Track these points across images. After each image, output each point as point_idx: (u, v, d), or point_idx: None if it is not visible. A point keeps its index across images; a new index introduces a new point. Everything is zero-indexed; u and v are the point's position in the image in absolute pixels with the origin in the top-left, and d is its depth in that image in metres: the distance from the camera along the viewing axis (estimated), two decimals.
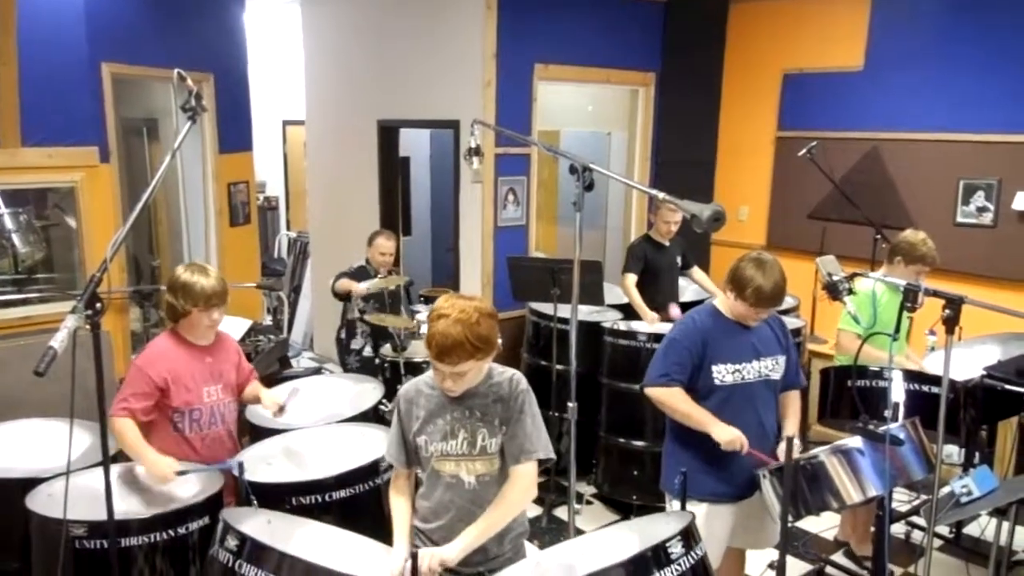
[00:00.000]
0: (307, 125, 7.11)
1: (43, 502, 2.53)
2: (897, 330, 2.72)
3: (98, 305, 2.03)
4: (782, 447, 2.86)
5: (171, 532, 2.47)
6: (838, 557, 4.08)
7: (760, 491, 2.94)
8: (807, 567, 4.04)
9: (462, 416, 2.26)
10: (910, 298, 2.54)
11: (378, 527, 2.52)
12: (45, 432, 3.14)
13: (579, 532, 3.27)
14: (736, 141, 6.16)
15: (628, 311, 4.81)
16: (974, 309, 2.55)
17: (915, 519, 4.28)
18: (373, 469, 2.72)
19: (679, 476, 2.55)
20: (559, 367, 4.59)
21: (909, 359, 3.89)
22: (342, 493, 2.66)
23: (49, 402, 3.12)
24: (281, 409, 3.07)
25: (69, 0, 4.45)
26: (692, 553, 2.09)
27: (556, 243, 6.60)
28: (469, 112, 4.93)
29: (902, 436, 2.77)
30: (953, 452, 4.06)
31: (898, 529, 4.26)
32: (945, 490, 2.90)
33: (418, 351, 4.59)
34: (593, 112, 6.72)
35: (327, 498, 2.64)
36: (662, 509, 3.13)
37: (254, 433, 3.27)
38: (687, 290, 5.18)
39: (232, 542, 2.14)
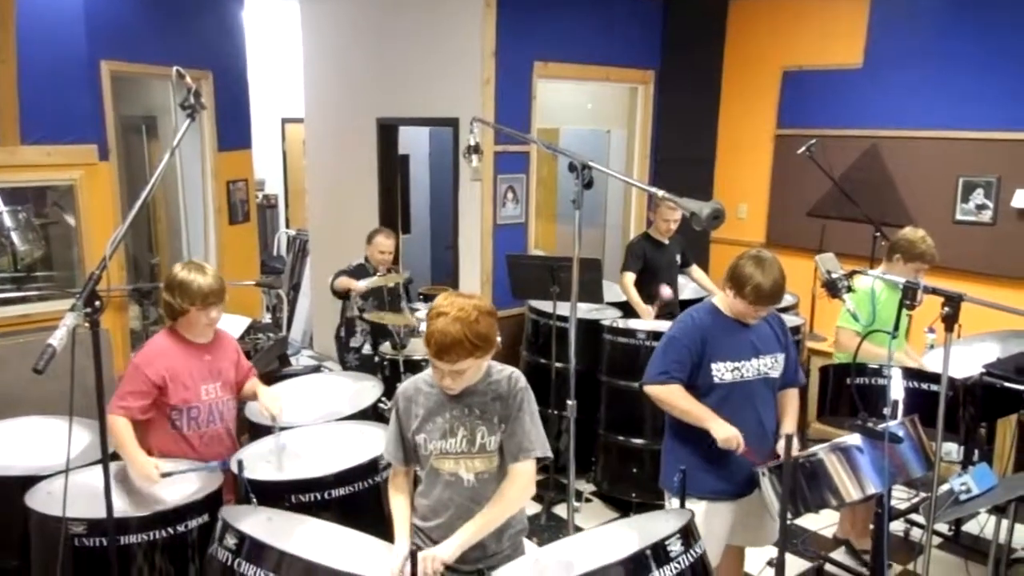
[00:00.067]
0: (306, 123, 7.11)
1: (42, 500, 2.53)
2: (896, 328, 2.72)
3: (97, 303, 2.03)
4: (781, 444, 2.87)
5: (170, 530, 2.47)
6: (837, 554, 4.09)
7: (759, 489, 2.94)
8: (806, 564, 4.04)
9: (461, 414, 2.26)
10: (909, 296, 2.54)
11: (377, 525, 2.52)
12: (44, 430, 3.14)
13: (578, 529, 3.27)
14: (735, 139, 6.16)
15: (627, 309, 4.81)
16: (973, 307, 2.55)
17: (914, 517, 4.28)
18: (372, 467, 2.72)
19: (678, 474, 2.55)
20: (558, 365, 4.59)
21: (908, 356, 3.89)
22: (341, 491, 2.66)
23: (48, 400, 3.13)
24: (273, 418, 3.05)
25: None
26: (691, 551, 2.09)
27: (555, 241, 6.59)
28: (468, 110, 4.93)
29: (901, 434, 2.77)
30: (952, 450, 4.06)
31: (897, 527, 4.26)
32: (944, 488, 2.90)
33: (417, 349, 4.59)
34: (592, 110, 6.72)
35: (326, 496, 2.64)
36: (661, 507, 3.13)
37: (253, 431, 3.27)
38: (686, 288, 5.18)
39: (231, 540, 2.15)
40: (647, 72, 5.94)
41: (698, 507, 2.85)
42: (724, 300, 2.98)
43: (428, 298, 5.84)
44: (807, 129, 5.56)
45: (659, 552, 2.02)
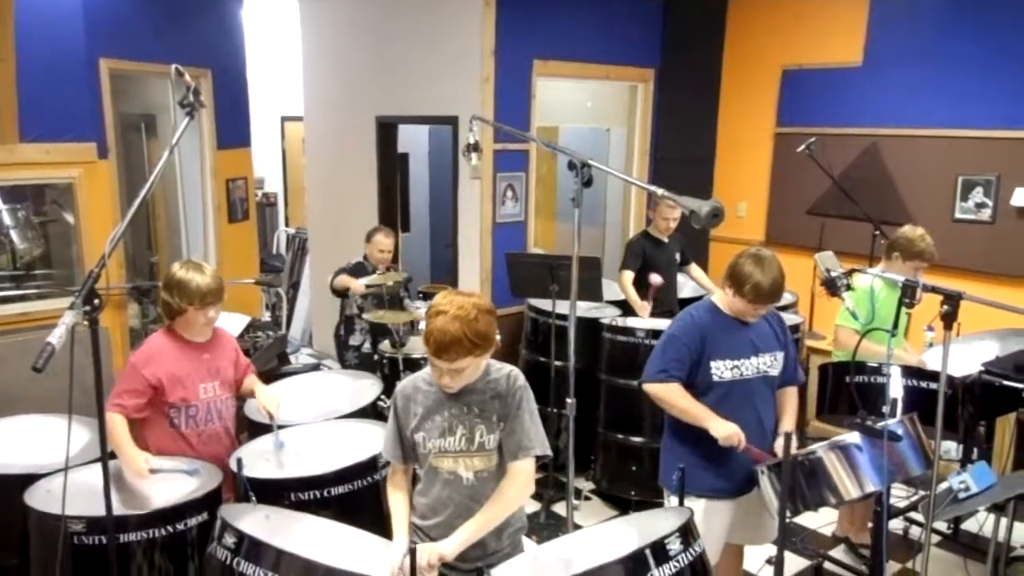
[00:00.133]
0: (305, 121, 7.10)
1: (41, 498, 2.53)
2: (895, 326, 2.72)
3: (96, 301, 2.03)
4: (780, 443, 2.87)
5: (169, 528, 2.47)
6: (836, 552, 4.09)
7: (758, 487, 2.94)
8: (805, 563, 4.04)
9: (460, 412, 2.26)
10: (908, 294, 2.54)
11: (376, 522, 2.53)
12: (43, 428, 3.14)
13: (577, 528, 3.27)
14: (735, 137, 6.16)
15: (627, 307, 4.81)
16: (972, 305, 2.56)
17: (913, 515, 4.29)
18: (371, 465, 2.73)
19: (677, 472, 2.55)
20: (558, 363, 4.59)
21: (907, 353, 3.89)
22: (341, 489, 2.66)
23: (47, 398, 3.13)
24: (271, 416, 3.04)
25: None
26: (690, 549, 2.09)
27: (555, 239, 6.59)
28: (468, 108, 4.92)
29: (900, 432, 2.77)
30: (951, 448, 4.07)
31: (896, 525, 4.26)
32: (943, 486, 2.90)
33: (417, 347, 4.59)
34: (592, 108, 6.72)
35: (326, 494, 2.64)
36: (660, 505, 3.13)
37: (253, 429, 3.27)
38: (685, 287, 5.18)
39: (230, 539, 2.15)
40: (647, 70, 5.94)
41: (697, 505, 2.85)
42: (723, 298, 2.98)
43: (427, 296, 5.84)
44: (806, 127, 5.56)
45: (658, 550, 2.02)
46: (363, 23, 6.16)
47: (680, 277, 5.05)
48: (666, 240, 4.83)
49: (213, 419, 2.97)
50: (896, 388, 3.41)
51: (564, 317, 4.23)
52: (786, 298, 4.94)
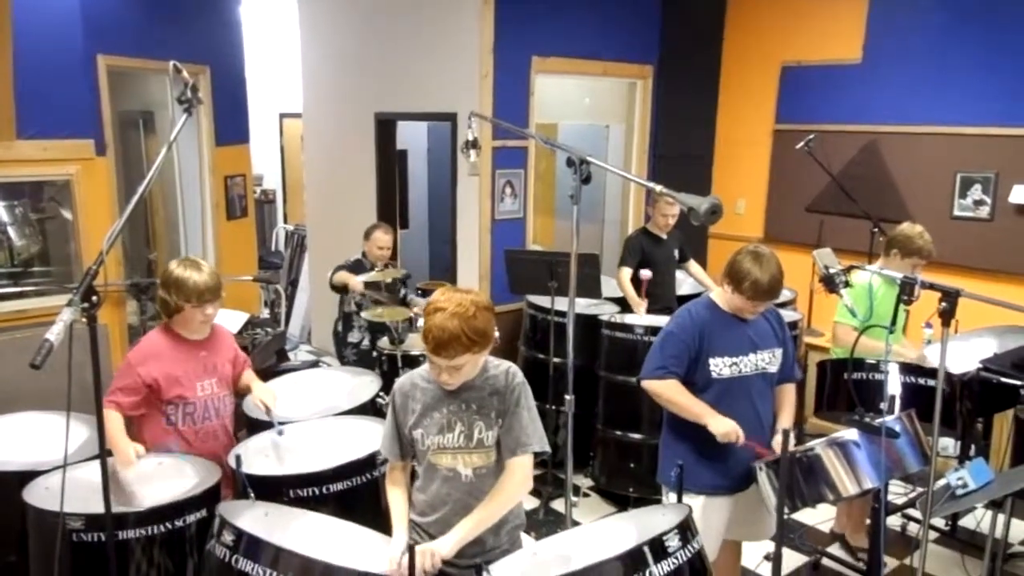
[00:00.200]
0: (304, 118, 7.09)
1: (40, 495, 2.53)
2: (893, 323, 2.72)
3: (94, 298, 2.02)
4: (778, 439, 2.87)
5: (168, 525, 2.47)
6: (834, 549, 4.09)
7: (756, 483, 2.94)
8: (803, 559, 4.05)
9: (458, 409, 2.26)
10: (906, 291, 2.54)
11: (375, 519, 2.53)
12: (42, 425, 3.14)
13: (576, 524, 3.27)
14: (734, 134, 6.16)
15: (625, 304, 4.81)
16: (970, 302, 2.56)
17: (911, 511, 4.29)
18: (370, 462, 2.72)
19: (676, 469, 2.56)
20: (556, 360, 4.59)
21: (906, 349, 3.89)
22: (339, 486, 2.66)
23: (46, 395, 3.11)
24: (267, 411, 3.04)
25: None
26: (689, 546, 2.10)
27: (553, 236, 6.59)
28: (466, 105, 4.91)
29: (898, 428, 2.77)
30: (949, 445, 4.08)
31: (894, 521, 4.27)
32: (941, 482, 2.90)
33: (415, 344, 4.59)
34: (591, 105, 6.71)
35: (324, 490, 2.64)
36: (659, 501, 3.14)
37: (251, 426, 3.27)
38: (683, 284, 5.18)
39: (228, 537, 2.15)
40: (645, 67, 5.93)
41: (696, 502, 2.86)
42: (722, 295, 2.98)
43: (426, 293, 5.84)
44: (805, 124, 5.56)
45: (657, 547, 2.03)
46: (362, 20, 6.15)
47: (679, 274, 5.05)
48: (665, 237, 4.83)
49: (210, 416, 2.97)
50: (894, 385, 3.42)
51: (563, 314, 4.24)
52: (784, 295, 4.94)
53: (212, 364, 2.98)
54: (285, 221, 9.50)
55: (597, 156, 2.73)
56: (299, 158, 8.26)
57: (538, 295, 4.78)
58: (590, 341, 4.55)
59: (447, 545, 2.17)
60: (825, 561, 3.99)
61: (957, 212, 5.00)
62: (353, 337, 5.03)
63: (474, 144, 3.56)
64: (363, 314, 4.75)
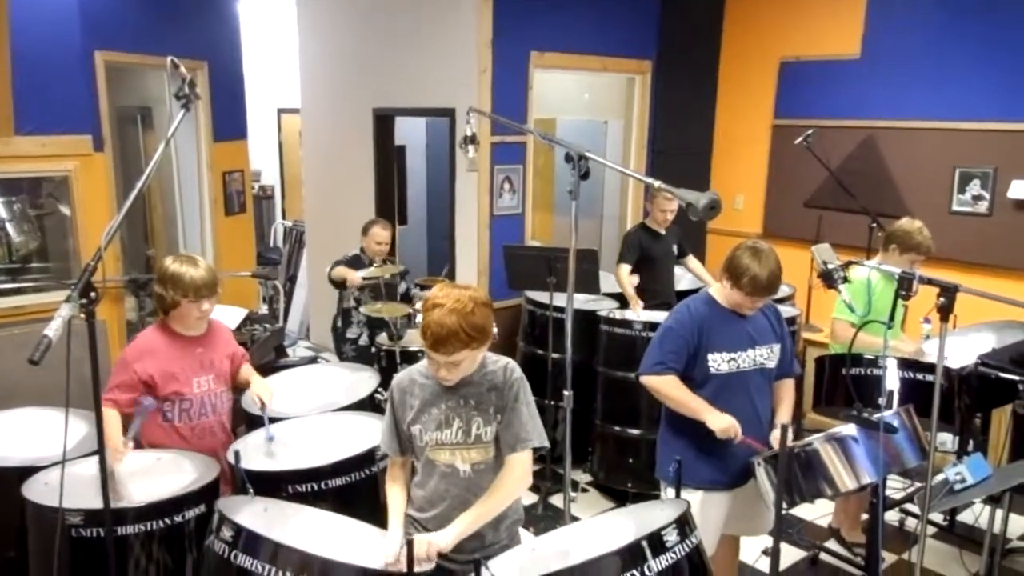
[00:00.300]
0: (302, 113, 7.08)
1: (39, 491, 2.53)
2: (892, 318, 2.72)
3: (93, 294, 2.02)
4: (776, 434, 2.87)
5: (167, 520, 2.47)
6: (832, 544, 4.10)
7: (755, 479, 2.95)
8: (801, 554, 4.06)
9: (456, 405, 2.26)
10: (905, 286, 2.54)
11: (374, 514, 2.52)
12: (41, 421, 3.14)
13: (575, 519, 3.28)
14: (732, 129, 6.15)
15: (624, 300, 4.81)
16: (969, 297, 2.56)
17: (909, 506, 4.30)
18: (369, 457, 2.73)
19: (674, 464, 2.56)
20: (555, 356, 4.59)
21: (904, 342, 3.89)
22: (338, 481, 2.67)
23: (44, 391, 3.11)
24: (263, 406, 3.04)
25: None
26: (687, 541, 2.10)
27: (552, 232, 6.59)
28: (465, 100, 4.91)
29: (896, 424, 2.78)
30: (947, 440, 4.08)
31: (892, 516, 4.28)
32: (939, 478, 2.91)
33: (414, 340, 4.59)
34: (589, 100, 6.70)
35: (323, 486, 2.65)
36: (657, 497, 3.14)
37: (250, 422, 3.27)
38: (682, 279, 5.18)
39: (227, 533, 2.15)
40: (644, 62, 5.92)
41: (694, 497, 2.86)
42: (721, 291, 2.98)
43: (424, 289, 5.84)
44: (804, 120, 5.56)
45: (655, 542, 2.03)
46: (360, 15, 6.14)
47: (677, 269, 5.05)
48: (663, 232, 4.83)
49: (207, 412, 2.97)
50: (892, 380, 3.42)
51: (561, 309, 4.25)
52: (783, 290, 4.94)
53: (209, 360, 2.98)
54: (283, 217, 9.48)
55: (596, 151, 2.73)
56: (297, 154, 8.24)
57: (537, 291, 4.78)
58: (588, 337, 4.55)
59: (446, 538, 2.18)
60: (823, 556, 4.00)
61: (956, 207, 5.00)
62: (352, 333, 5.04)
63: (472, 140, 3.55)
64: (362, 310, 4.75)
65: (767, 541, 3.19)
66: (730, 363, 2.93)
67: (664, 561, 2.02)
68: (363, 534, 2.43)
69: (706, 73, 6.13)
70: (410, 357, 4.41)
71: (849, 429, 2.79)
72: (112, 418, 2.76)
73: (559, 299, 4.40)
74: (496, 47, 5.08)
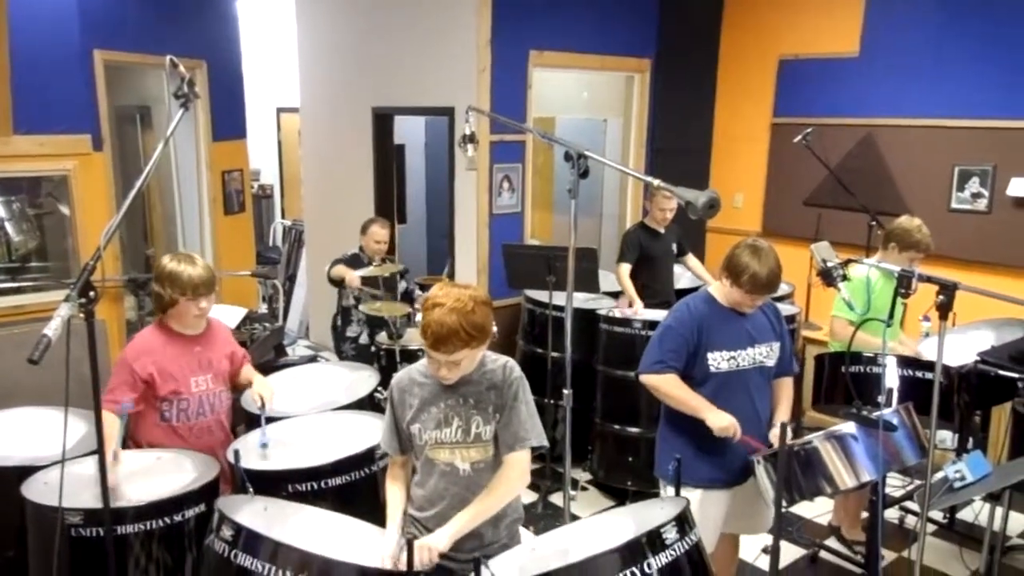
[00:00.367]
0: (301, 112, 7.08)
1: (39, 490, 2.53)
2: (891, 316, 2.72)
3: (92, 293, 2.02)
4: (775, 432, 2.87)
5: (167, 520, 2.47)
6: (832, 542, 4.11)
7: (754, 477, 2.95)
8: (801, 552, 4.06)
9: (456, 404, 2.26)
10: (904, 284, 2.54)
11: (374, 513, 2.52)
12: (40, 420, 3.13)
13: (574, 518, 3.28)
14: (731, 128, 6.15)
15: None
16: (968, 295, 2.56)
17: (909, 504, 4.31)
18: (368, 456, 2.73)
19: (673, 462, 2.56)
20: (554, 354, 4.59)
21: (903, 344, 3.90)
22: (338, 480, 2.66)
23: (44, 390, 3.11)
24: (263, 405, 3.03)
25: None
26: (687, 538, 2.10)
27: (551, 230, 6.59)
28: (464, 99, 4.90)
29: (895, 421, 2.78)
30: (947, 437, 4.08)
31: (892, 514, 4.28)
32: (939, 475, 2.91)
33: (414, 339, 4.59)
34: (588, 99, 6.70)
35: (323, 485, 2.64)
36: (657, 495, 3.15)
37: (249, 421, 3.27)
38: (682, 278, 5.18)
39: (227, 532, 2.15)
40: (643, 61, 5.92)
41: (693, 495, 2.86)
42: (720, 289, 2.98)
43: (424, 288, 5.84)
44: (803, 118, 5.56)
45: (655, 540, 2.03)
46: (359, 14, 6.14)
47: (677, 268, 5.05)
48: (663, 231, 4.82)
49: (205, 412, 2.96)
50: (892, 378, 3.42)
51: (561, 308, 4.24)
52: (782, 289, 4.94)
53: (207, 359, 2.98)
54: (283, 216, 9.48)
55: (595, 150, 2.73)
56: (296, 153, 8.24)
57: (536, 290, 4.77)
58: (588, 335, 4.55)
59: (443, 539, 2.18)
60: (823, 554, 4.00)
61: (955, 205, 5.00)
62: (351, 332, 5.04)
63: (472, 138, 3.55)
64: (361, 308, 4.75)
65: (767, 539, 3.20)
66: (730, 361, 2.93)
67: (663, 559, 2.02)
68: (363, 533, 2.43)
69: (705, 71, 6.13)
70: (410, 356, 4.41)
71: (848, 427, 2.79)
72: (110, 424, 2.75)
73: (558, 298, 4.40)
74: (495, 46, 5.08)
